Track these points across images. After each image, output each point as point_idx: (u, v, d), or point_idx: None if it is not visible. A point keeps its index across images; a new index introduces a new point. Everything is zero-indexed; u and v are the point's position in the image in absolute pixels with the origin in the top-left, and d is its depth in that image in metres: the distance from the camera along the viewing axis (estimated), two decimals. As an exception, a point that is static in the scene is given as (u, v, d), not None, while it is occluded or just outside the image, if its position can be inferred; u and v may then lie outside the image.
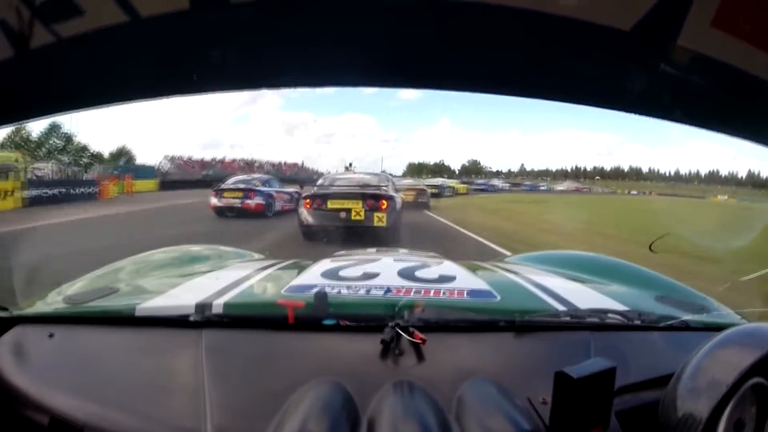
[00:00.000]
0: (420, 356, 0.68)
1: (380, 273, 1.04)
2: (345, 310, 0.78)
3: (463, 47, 0.55)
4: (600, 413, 0.50)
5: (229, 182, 9.83)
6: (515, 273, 1.17)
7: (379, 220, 5.45)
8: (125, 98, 0.68)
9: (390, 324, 0.71)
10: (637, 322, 0.80)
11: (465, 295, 0.90)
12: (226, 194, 9.05)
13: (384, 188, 6.06)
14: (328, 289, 0.89)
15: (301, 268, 1.14)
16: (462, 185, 24.70)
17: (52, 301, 0.90)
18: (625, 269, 1.27)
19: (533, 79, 0.60)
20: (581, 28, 0.46)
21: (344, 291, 0.90)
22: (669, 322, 0.81)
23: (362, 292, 0.90)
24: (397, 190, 6.86)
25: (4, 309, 0.80)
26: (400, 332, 0.69)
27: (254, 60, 0.62)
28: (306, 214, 5.59)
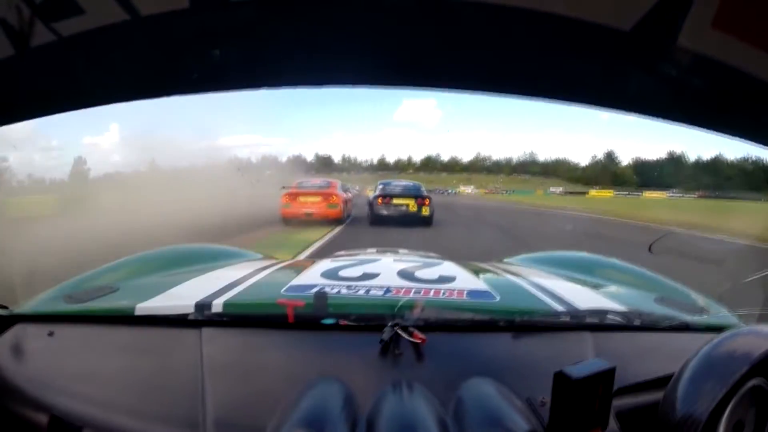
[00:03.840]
0: (419, 356, 0.68)
1: (380, 273, 1.04)
2: (345, 310, 0.78)
3: (463, 47, 0.55)
4: (599, 414, 0.50)
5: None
6: (515, 274, 1.17)
7: (425, 211, 8.85)
8: (125, 98, 0.68)
9: (389, 324, 0.71)
10: (637, 323, 0.80)
11: (465, 295, 0.90)
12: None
13: (424, 191, 9.54)
14: (327, 289, 0.89)
15: (300, 268, 1.14)
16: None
17: (52, 300, 0.90)
18: (625, 270, 1.27)
19: (532, 79, 0.60)
20: (581, 28, 0.45)
21: (344, 291, 0.90)
22: (668, 323, 0.81)
23: (362, 292, 0.90)
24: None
25: (4, 307, 0.80)
26: (400, 332, 0.69)
27: (255, 59, 0.62)
28: (379, 207, 8.86)
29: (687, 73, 0.51)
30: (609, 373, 0.50)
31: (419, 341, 0.68)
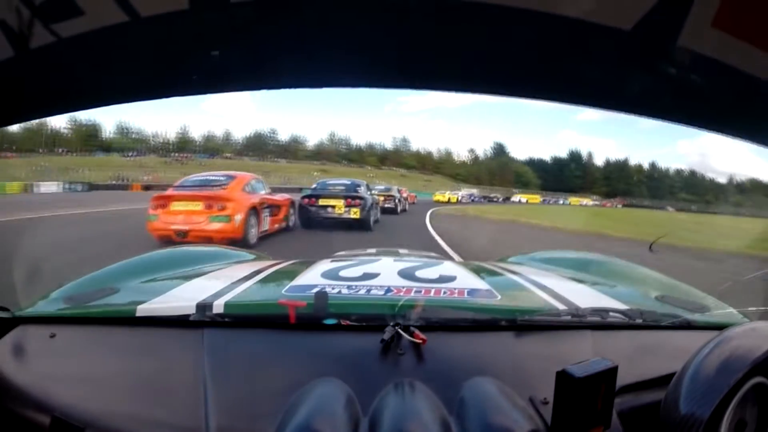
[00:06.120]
0: (420, 356, 0.68)
1: (380, 273, 1.04)
2: (346, 310, 0.78)
3: (464, 47, 0.55)
4: (601, 413, 0.50)
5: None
6: (516, 273, 1.17)
7: (354, 213, 7.65)
8: (125, 98, 0.68)
9: (390, 324, 0.71)
10: (639, 322, 0.80)
11: (465, 294, 0.90)
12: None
13: (360, 190, 8.25)
14: (328, 289, 0.89)
15: (301, 269, 1.14)
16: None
17: (54, 302, 0.90)
18: (626, 269, 1.27)
19: (533, 79, 0.60)
20: (581, 28, 0.45)
21: (345, 291, 0.90)
22: (670, 322, 0.81)
23: (363, 291, 0.90)
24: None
25: (6, 309, 0.80)
26: (401, 332, 0.69)
27: (254, 60, 0.62)
28: (304, 210, 7.78)
29: (687, 72, 0.51)
30: (611, 372, 0.50)
31: (420, 341, 0.68)
